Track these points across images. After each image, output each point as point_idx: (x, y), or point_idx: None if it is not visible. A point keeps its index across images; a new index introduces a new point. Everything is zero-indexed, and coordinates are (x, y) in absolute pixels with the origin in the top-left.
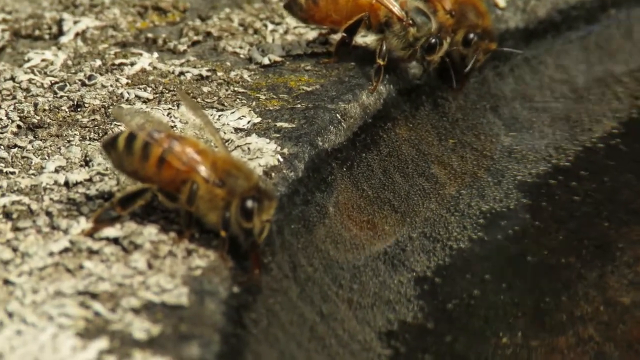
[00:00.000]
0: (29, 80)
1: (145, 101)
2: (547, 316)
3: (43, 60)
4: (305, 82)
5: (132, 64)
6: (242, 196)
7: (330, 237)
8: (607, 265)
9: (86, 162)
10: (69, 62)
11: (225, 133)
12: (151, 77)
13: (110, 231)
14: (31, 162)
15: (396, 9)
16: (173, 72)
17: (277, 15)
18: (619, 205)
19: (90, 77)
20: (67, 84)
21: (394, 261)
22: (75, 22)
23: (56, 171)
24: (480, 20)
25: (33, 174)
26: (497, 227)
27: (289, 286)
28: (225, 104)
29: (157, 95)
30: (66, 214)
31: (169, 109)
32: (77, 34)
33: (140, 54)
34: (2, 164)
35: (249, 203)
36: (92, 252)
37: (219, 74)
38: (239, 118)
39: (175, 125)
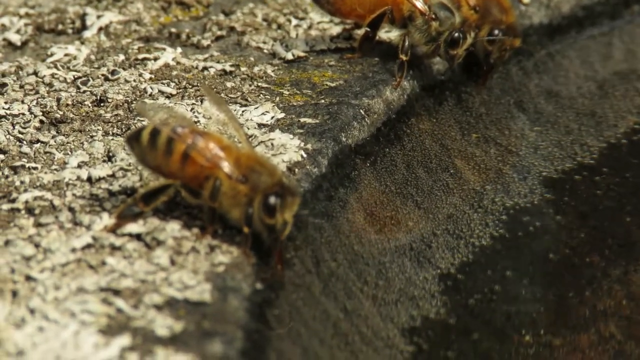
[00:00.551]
0: (52, 75)
1: (169, 96)
2: (568, 313)
3: (66, 54)
4: (329, 77)
5: (155, 59)
6: (265, 192)
7: (354, 232)
8: (631, 264)
9: (109, 157)
10: (92, 57)
11: (248, 128)
12: (174, 72)
13: (133, 227)
14: (54, 158)
15: (419, 3)
16: (196, 67)
17: (301, 10)
18: None
19: (113, 72)
20: (90, 78)
21: (420, 257)
22: (99, 17)
23: (79, 167)
24: (505, 16)
25: (56, 170)
26: (519, 223)
27: (312, 282)
28: (249, 99)
29: (180, 90)
30: (89, 210)
31: (193, 104)
32: (100, 29)
33: (164, 49)
34: (24, 159)
35: (272, 199)
36: (114, 248)
37: (243, 69)
38: (263, 113)
39: (198, 121)
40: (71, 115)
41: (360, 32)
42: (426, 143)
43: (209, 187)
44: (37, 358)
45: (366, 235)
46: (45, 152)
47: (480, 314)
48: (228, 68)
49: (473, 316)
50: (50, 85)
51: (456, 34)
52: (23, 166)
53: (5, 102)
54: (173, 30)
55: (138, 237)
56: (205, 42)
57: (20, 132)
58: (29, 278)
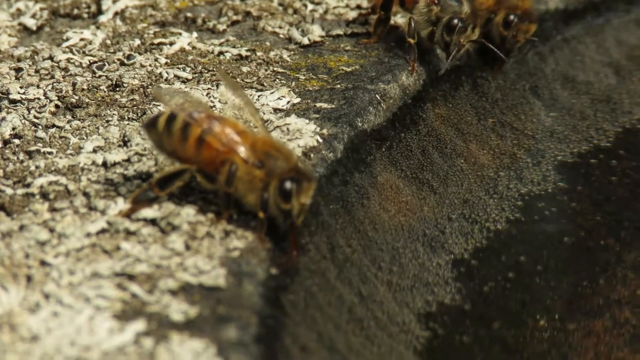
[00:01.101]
0: (68, 60)
1: (185, 81)
2: (583, 299)
3: (82, 39)
4: (345, 62)
5: (171, 44)
6: (280, 177)
7: (368, 218)
8: None
9: (124, 142)
10: (108, 42)
11: (264, 113)
12: (190, 57)
13: (148, 212)
14: (69, 142)
15: None
16: (212, 52)
17: None
18: None
19: (129, 57)
20: (106, 63)
21: (433, 243)
22: (114, 1)
23: (94, 151)
24: (520, 1)
25: (71, 154)
26: (534, 209)
27: (327, 267)
28: (265, 84)
29: (196, 75)
30: (104, 195)
31: (208, 89)
32: (116, 13)
33: (180, 34)
34: (40, 144)
35: (288, 184)
36: (129, 233)
37: (259, 53)
38: (279, 98)
39: (214, 106)
40: (87, 100)
41: (375, 16)
42: (442, 128)
43: (225, 172)
44: (52, 343)
45: (380, 221)
46: (61, 137)
47: (495, 300)
48: (244, 53)
49: (488, 303)
50: (65, 69)
51: (454, 20)
52: (38, 151)
53: (21, 87)
54: (189, 14)
55: (153, 222)
56: (221, 27)
57: (35, 117)
58: (43, 263)
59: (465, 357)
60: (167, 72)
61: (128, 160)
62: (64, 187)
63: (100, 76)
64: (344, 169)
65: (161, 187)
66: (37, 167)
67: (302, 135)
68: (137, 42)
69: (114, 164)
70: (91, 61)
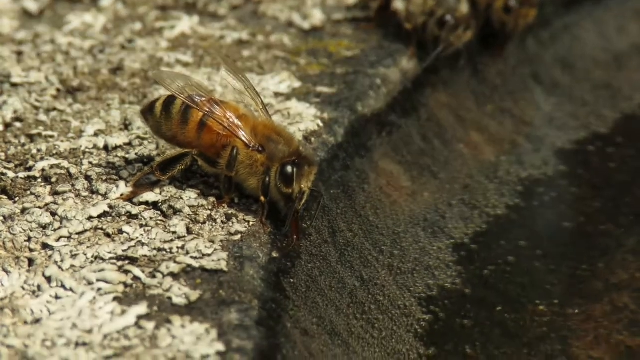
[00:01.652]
0: (69, 44)
1: (186, 65)
2: (582, 283)
3: (83, 23)
4: (346, 47)
5: (172, 28)
6: (282, 161)
7: (370, 202)
8: None
9: (126, 125)
10: (109, 26)
11: (265, 97)
12: (191, 41)
13: (150, 196)
14: (70, 126)
15: None
16: (213, 36)
17: None
18: None
19: (130, 41)
20: (107, 47)
21: (434, 228)
22: None
23: (95, 135)
24: None
25: (72, 138)
26: (534, 194)
27: (328, 251)
28: (265, 68)
29: (197, 58)
30: (105, 178)
31: (209, 72)
32: None
33: (181, 18)
34: (41, 128)
35: (289, 168)
36: (131, 217)
37: (259, 38)
38: (279, 82)
39: (215, 89)
40: (88, 84)
41: (376, 2)
42: (442, 114)
43: (226, 156)
44: (54, 326)
45: (382, 206)
46: (62, 121)
47: (495, 284)
48: (245, 37)
49: (488, 287)
50: (67, 53)
51: (446, 17)
52: (40, 134)
53: (22, 70)
54: None
55: (155, 205)
56: (222, 11)
57: (37, 100)
58: (45, 246)
59: (465, 340)
60: (168, 56)
61: (129, 143)
62: (65, 171)
63: (101, 60)
64: (345, 154)
65: (163, 171)
66: (38, 150)
67: (303, 119)
68: (138, 26)
69: (116, 148)
70: (92, 45)
